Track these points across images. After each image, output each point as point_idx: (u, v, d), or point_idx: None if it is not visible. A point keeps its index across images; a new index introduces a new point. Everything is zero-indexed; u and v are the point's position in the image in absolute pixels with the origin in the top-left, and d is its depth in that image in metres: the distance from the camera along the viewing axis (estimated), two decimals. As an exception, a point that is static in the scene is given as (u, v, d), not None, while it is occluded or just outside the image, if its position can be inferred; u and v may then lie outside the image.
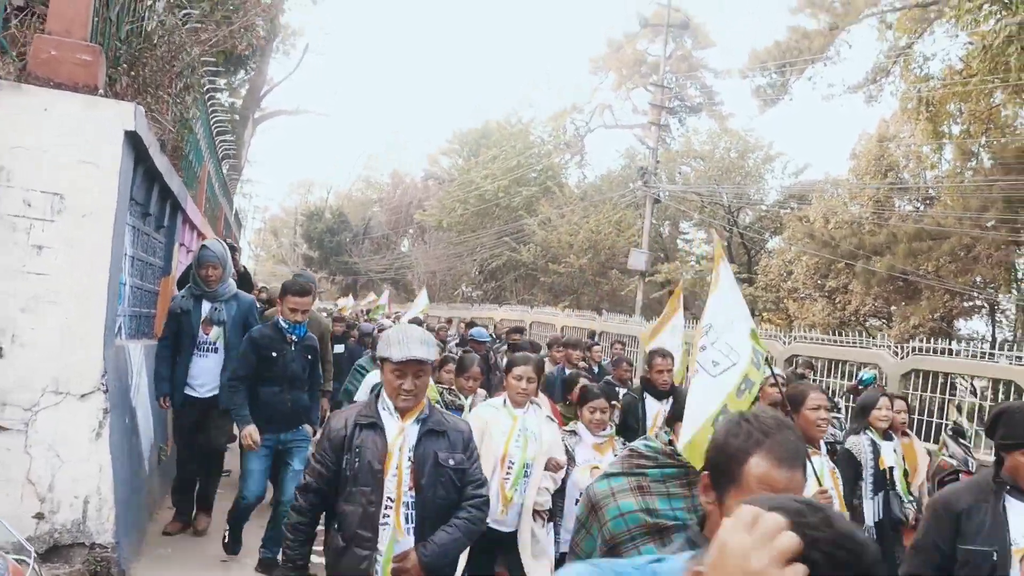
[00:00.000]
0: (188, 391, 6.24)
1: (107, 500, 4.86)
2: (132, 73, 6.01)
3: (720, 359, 3.80)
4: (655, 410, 6.32)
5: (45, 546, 4.63)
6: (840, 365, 14.64)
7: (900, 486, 5.42)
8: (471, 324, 12.64)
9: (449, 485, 3.35)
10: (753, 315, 30.11)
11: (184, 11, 7.11)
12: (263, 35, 9.96)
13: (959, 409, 13.46)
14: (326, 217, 49.51)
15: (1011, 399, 11.90)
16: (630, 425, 6.25)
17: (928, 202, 24.91)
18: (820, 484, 3.96)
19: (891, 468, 5.39)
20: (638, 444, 4.03)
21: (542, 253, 34.41)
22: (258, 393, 5.60)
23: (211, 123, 12.04)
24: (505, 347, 10.35)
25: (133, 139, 5.15)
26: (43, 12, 5.47)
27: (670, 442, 3.65)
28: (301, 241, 52.12)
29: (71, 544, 4.72)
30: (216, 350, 6.28)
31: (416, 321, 13.58)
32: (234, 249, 8.57)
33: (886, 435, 5.53)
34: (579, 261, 31.97)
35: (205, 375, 6.24)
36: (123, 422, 5.41)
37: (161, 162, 6.21)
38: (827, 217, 25.69)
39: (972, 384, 15.14)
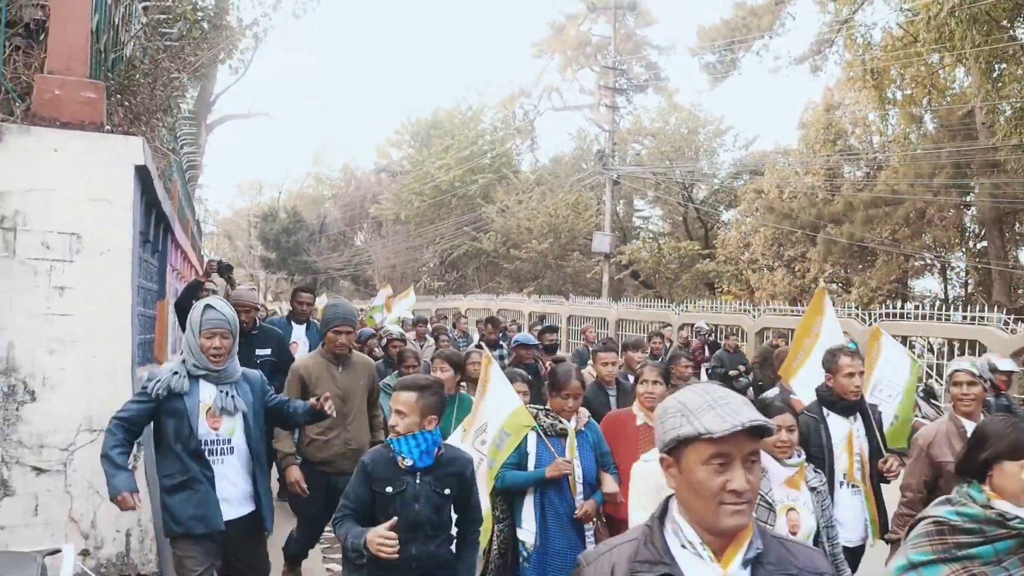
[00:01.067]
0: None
1: (148, 531, 4.94)
2: (125, 103, 6.02)
3: None
4: (843, 432, 4.74)
5: (92, 582, 4.69)
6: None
7: None
8: (492, 320, 10.91)
9: None
10: (714, 288, 30.67)
11: (165, 34, 7.10)
12: (231, 51, 9.89)
13: (931, 369, 13.97)
14: (281, 217, 49.10)
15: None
16: (812, 455, 4.52)
17: (877, 168, 25.52)
18: None
19: None
20: (945, 512, 3.02)
21: (502, 240, 34.59)
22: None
23: (177, 136, 11.96)
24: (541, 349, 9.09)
25: (142, 173, 5.19)
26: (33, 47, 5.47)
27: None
28: (257, 243, 51.65)
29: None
30: (232, 450, 4.38)
31: (421, 320, 13.16)
32: (230, 268, 8.61)
33: None
34: (540, 246, 32.22)
35: (227, 486, 4.31)
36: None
37: (160, 190, 6.24)
38: (780, 188, 26.23)
39: (928, 342, 15.70)
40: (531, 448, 4.56)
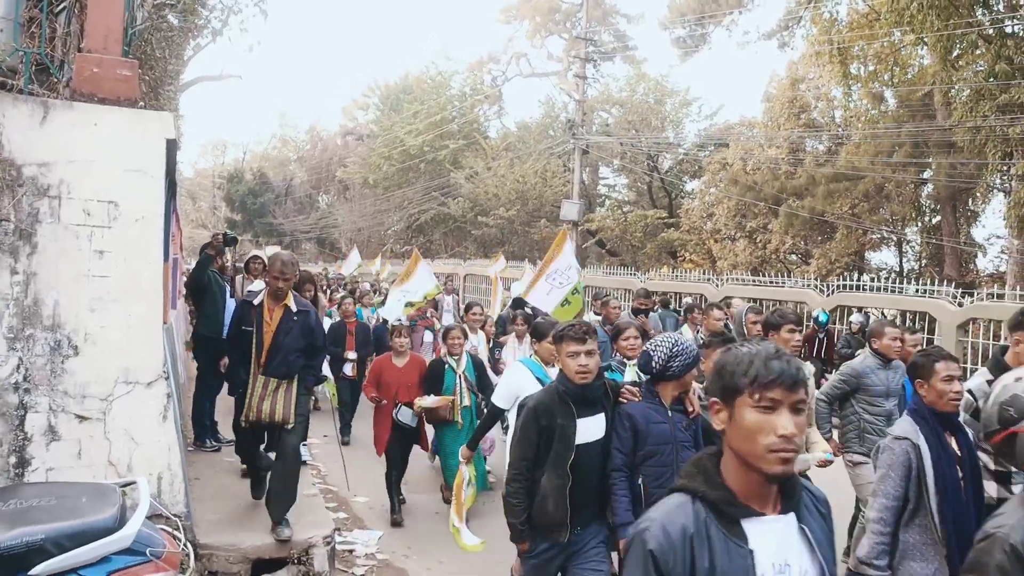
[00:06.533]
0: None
1: (177, 475, 5.41)
2: (145, 77, 6.38)
3: None
4: None
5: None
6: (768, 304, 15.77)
7: None
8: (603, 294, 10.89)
9: None
10: (676, 256, 31.25)
11: (171, 6, 7.42)
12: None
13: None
14: (246, 179, 48.94)
15: (923, 327, 13.15)
16: None
17: (839, 142, 26.25)
18: None
19: None
20: None
21: (470, 206, 34.94)
22: None
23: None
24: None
25: (170, 145, 5.59)
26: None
27: None
28: (222, 204, 51.46)
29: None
30: None
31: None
32: (235, 240, 9.01)
33: None
34: (508, 212, 32.65)
35: None
36: (176, 405, 5.92)
37: (175, 160, 6.62)
38: (744, 160, 26.89)
39: (883, 313, 16.49)
40: None
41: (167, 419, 5.41)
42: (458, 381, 7.51)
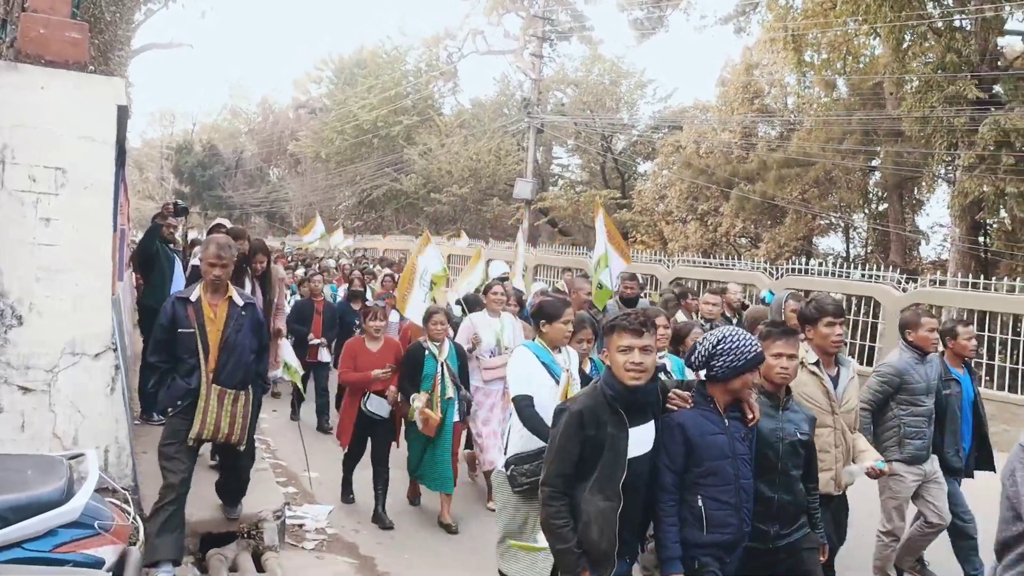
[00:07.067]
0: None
1: (125, 448, 5.32)
2: (95, 41, 6.21)
3: None
4: None
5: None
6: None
7: None
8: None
9: None
10: (627, 238, 31.44)
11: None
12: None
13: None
14: (196, 150, 48.00)
15: (867, 311, 13.41)
16: None
17: (791, 128, 26.56)
18: None
19: None
20: None
21: (423, 183, 34.74)
22: None
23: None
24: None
25: (121, 112, 5.46)
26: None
27: None
28: (170, 176, 50.45)
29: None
30: None
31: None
32: (185, 211, 8.83)
33: None
34: (461, 190, 32.53)
35: None
36: (123, 378, 5.81)
37: (125, 128, 6.46)
38: (698, 143, 27.10)
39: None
40: None
41: (115, 391, 5.31)
42: (440, 370, 6.68)
